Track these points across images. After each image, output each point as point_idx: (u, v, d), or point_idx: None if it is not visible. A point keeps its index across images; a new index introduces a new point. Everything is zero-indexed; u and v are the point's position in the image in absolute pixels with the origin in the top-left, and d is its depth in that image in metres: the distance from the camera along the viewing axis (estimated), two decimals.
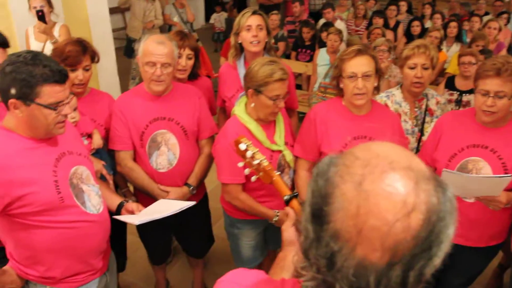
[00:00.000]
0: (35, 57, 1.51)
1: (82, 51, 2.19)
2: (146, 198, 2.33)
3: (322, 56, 5.09)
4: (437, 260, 0.68)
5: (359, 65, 2.02)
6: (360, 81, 2.01)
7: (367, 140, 2.11)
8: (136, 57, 2.28)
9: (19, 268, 1.70)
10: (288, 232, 1.26)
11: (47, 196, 1.59)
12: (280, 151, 2.17)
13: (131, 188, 2.50)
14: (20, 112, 1.53)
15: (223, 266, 3.29)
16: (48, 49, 3.45)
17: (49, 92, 1.52)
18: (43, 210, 1.59)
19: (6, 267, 1.70)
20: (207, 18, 9.77)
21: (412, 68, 2.39)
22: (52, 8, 3.67)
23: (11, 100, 1.51)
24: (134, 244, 2.95)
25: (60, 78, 1.54)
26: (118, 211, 2.02)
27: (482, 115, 2.02)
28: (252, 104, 2.10)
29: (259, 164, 1.45)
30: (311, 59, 5.59)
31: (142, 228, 2.51)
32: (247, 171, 1.55)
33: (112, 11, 5.18)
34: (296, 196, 1.31)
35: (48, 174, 1.61)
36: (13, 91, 1.50)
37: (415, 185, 0.67)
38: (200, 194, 2.50)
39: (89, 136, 2.25)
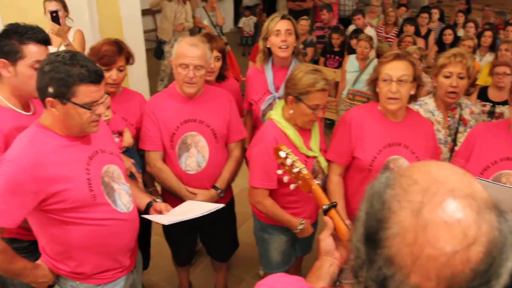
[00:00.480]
0: (73, 57, 1.54)
1: (118, 51, 2.23)
2: (172, 198, 2.35)
3: (352, 63, 5.05)
4: None
5: (396, 69, 1.99)
6: (394, 85, 1.97)
7: (401, 147, 2.08)
8: (170, 59, 2.30)
9: (51, 263, 1.73)
10: (326, 241, 1.24)
11: (80, 193, 1.62)
12: (315, 157, 2.16)
13: (158, 188, 2.52)
14: (56, 111, 1.57)
15: (246, 270, 3.29)
16: None
17: (85, 92, 1.54)
18: (76, 207, 1.62)
19: (39, 261, 1.74)
20: (236, 22, 9.82)
21: (447, 77, 2.34)
22: (67, 13, 3.67)
23: (48, 99, 1.55)
24: (158, 244, 2.98)
25: (96, 78, 1.56)
26: (147, 210, 2.04)
27: None
28: (291, 111, 2.09)
29: (298, 172, 1.44)
30: (339, 65, 5.55)
31: (168, 229, 2.53)
32: (285, 178, 1.54)
33: (143, 13, 5.26)
34: (334, 206, 1.30)
35: (81, 172, 1.64)
36: (50, 89, 1.53)
37: (476, 215, 0.64)
38: (227, 197, 2.51)
39: (120, 134, 2.28)
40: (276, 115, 2.15)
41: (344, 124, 2.17)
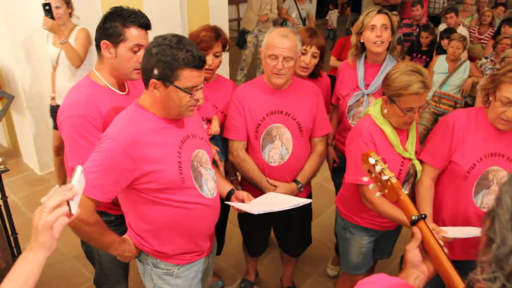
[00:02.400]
0: (180, 41, 1.57)
1: (215, 37, 2.26)
2: (252, 189, 2.34)
3: (441, 64, 4.78)
4: None
5: None
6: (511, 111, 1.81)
7: (504, 159, 1.93)
8: (260, 49, 2.30)
9: (136, 239, 1.80)
10: (413, 253, 1.19)
11: (171, 175, 1.66)
12: (410, 159, 2.07)
13: (239, 178, 2.55)
14: (158, 93, 1.61)
15: (314, 267, 3.26)
16: (63, 57, 3.36)
17: (188, 76, 1.57)
18: (166, 188, 1.67)
19: (125, 236, 1.82)
20: (318, 14, 9.68)
21: None
22: (72, 9, 3.40)
23: (152, 80, 1.59)
24: (229, 231, 3.03)
25: (199, 63, 1.58)
26: (228, 198, 2.06)
27: None
28: (385, 110, 2.02)
29: (387, 180, 1.38)
30: (426, 65, 5.27)
31: (244, 219, 2.56)
32: (371, 186, 1.48)
33: (228, 2, 5.34)
34: (424, 218, 1.23)
35: (173, 155, 1.68)
36: (156, 71, 1.58)
37: None
38: (305, 192, 2.47)
39: (208, 121, 2.32)
40: (375, 111, 2.07)
41: (446, 126, 2.04)
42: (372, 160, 1.42)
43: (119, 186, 1.63)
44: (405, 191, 2.08)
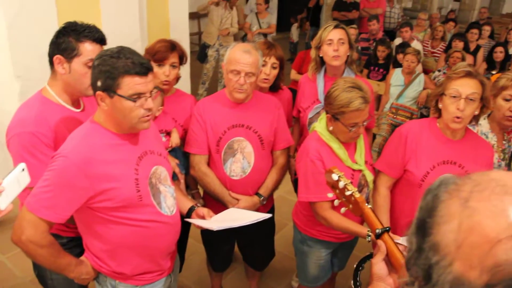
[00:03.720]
0: (120, 50, 1.55)
1: (170, 47, 2.25)
2: (214, 203, 2.33)
3: (397, 76, 4.93)
4: None
5: (466, 86, 1.90)
6: (463, 103, 1.89)
7: (456, 166, 2.00)
8: (221, 64, 2.30)
9: (94, 260, 1.73)
10: (378, 266, 1.19)
11: (128, 193, 1.62)
12: (360, 171, 2.11)
13: (201, 191, 2.52)
14: (105, 105, 1.57)
15: (279, 280, 3.25)
16: None
17: (129, 84, 1.54)
18: (122, 206, 1.62)
19: (83, 258, 1.75)
20: (279, 28, 9.83)
21: (507, 100, 2.23)
22: None
23: (98, 92, 1.56)
24: (192, 247, 2.98)
25: (141, 70, 1.55)
26: (188, 214, 2.03)
27: None
28: (331, 128, 2.05)
29: (350, 195, 1.39)
30: (383, 78, 5.43)
31: (207, 234, 2.52)
32: (336, 202, 1.49)
33: (189, 16, 5.33)
34: (388, 230, 1.25)
35: (130, 172, 1.64)
36: (99, 83, 1.55)
37: None
38: (268, 205, 2.47)
39: (168, 134, 2.30)
40: (320, 127, 2.10)
41: (400, 136, 2.10)
42: (335, 176, 1.44)
43: (73, 206, 1.56)
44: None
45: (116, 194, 1.59)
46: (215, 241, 2.58)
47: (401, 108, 4.88)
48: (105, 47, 1.59)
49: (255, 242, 2.58)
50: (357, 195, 1.39)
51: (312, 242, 2.28)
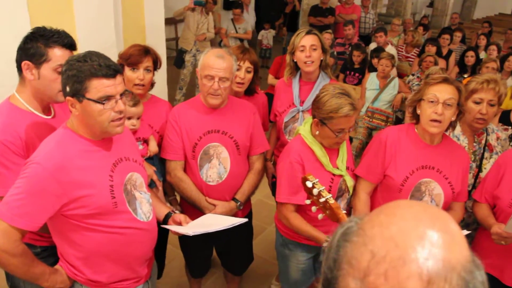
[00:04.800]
0: (87, 55, 1.55)
1: (144, 51, 2.25)
2: (191, 209, 2.33)
3: (372, 81, 5.02)
4: None
5: (443, 91, 1.96)
6: (441, 107, 1.94)
7: (434, 171, 2.05)
8: (196, 69, 2.30)
9: (69, 269, 1.71)
10: None
11: (102, 200, 1.61)
12: (341, 176, 2.13)
13: (178, 198, 2.51)
14: (76, 111, 1.56)
15: (258, 285, 3.25)
16: None
17: (97, 86, 1.53)
18: (97, 213, 1.61)
19: (57, 266, 1.72)
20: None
21: (477, 103, 2.29)
22: None
23: (67, 98, 1.56)
24: (171, 254, 2.96)
25: (108, 72, 1.54)
26: (165, 221, 2.02)
27: None
28: (317, 132, 2.07)
29: (325, 201, 1.42)
30: (359, 82, 5.52)
31: (185, 240, 2.52)
32: (313, 208, 1.51)
33: (166, 21, 5.31)
34: None
35: (105, 178, 1.63)
36: (67, 88, 1.54)
37: (427, 285, 0.58)
38: (245, 210, 2.48)
39: (145, 141, 2.28)
40: (304, 130, 2.13)
41: (379, 142, 2.14)
42: (309, 184, 1.46)
43: (46, 214, 1.54)
44: (340, 206, 2.16)
45: (91, 201, 1.58)
46: (193, 247, 2.57)
47: (376, 112, 4.96)
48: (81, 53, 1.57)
49: (233, 247, 2.59)
50: (331, 201, 1.41)
51: (293, 245, 2.29)
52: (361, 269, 0.62)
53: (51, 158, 1.52)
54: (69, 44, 1.80)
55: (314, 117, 2.07)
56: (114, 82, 1.57)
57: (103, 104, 1.55)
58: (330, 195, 1.44)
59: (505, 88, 2.36)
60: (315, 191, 1.44)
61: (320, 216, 1.48)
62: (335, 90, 1.99)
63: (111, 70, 1.56)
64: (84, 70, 1.52)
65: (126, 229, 1.69)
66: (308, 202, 1.52)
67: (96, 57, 1.55)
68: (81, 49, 3.76)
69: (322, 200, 1.42)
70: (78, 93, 1.53)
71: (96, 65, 1.52)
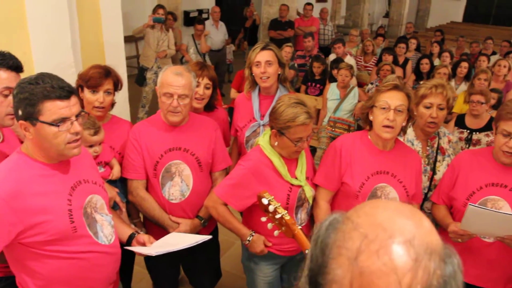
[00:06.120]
0: (39, 77, 1.52)
1: (104, 74, 2.21)
2: (155, 228, 2.30)
3: (333, 91, 5.13)
4: None
5: (394, 98, 2.02)
6: (392, 113, 2.01)
7: (389, 176, 2.12)
8: (155, 87, 2.29)
9: None
10: None
11: (61, 225, 1.57)
12: (300, 186, 2.16)
13: (143, 219, 2.48)
14: (30, 134, 1.53)
15: None
16: None
17: (52, 108, 1.51)
18: (56, 239, 1.57)
19: None
20: None
21: (427, 108, 2.39)
22: None
23: (20, 122, 1.52)
24: (139, 275, 2.91)
25: (62, 93, 1.52)
26: (129, 242, 1.99)
27: (502, 155, 2.02)
28: (276, 143, 2.09)
29: (281, 218, 1.44)
30: (320, 93, 5.62)
31: (151, 260, 2.48)
32: (269, 225, 1.53)
33: (126, 39, 5.27)
34: None
35: (62, 203, 1.59)
36: (20, 112, 1.51)
37: (414, 263, 0.64)
38: (210, 227, 2.47)
39: (107, 164, 2.24)
40: (264, 141, 2.15)
41: (335, 150, 2.18)
42: (265, 201, 1.47)
43: (2, 242, 1.49)
44: (300, 216, 2.19)
45: (48, 227, 1.54)
46: (159, 266, 2.54)
47: (338, 121, 5.06)
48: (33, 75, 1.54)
49: (200, 264, 2.57)
50: (287, 217, 1.43)
51: (258, 258, 2.29)
52: (354, 249, 0.65)
53: (4, 185, 1.48)
54: (15, 66, 1.76)
55: (272, 128, 2.10)
56: (68, 104, 1.54)
57: (58, 126, 1.53)
58: (286, 211, 1.45)
59: (453, 92, 2.47)
60: (271, 208, 1.45)
61: (276, 232, 1.49)
62: (291, 100, 2.04)
63: (65, 91, 1.53)
64: (36, 92, 1.49)
65: (87, 254, 1.65)
66: (264, 219, 1.53)
67: (49, 78, 1.53)
68: (38, 69, 3.70)
69: (278, 216, 1.44)
70: (31, 117, 1.50)
71: (49, 87, 1.50)
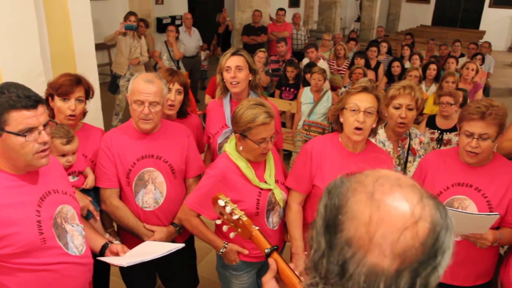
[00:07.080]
0: (4, 86, 1.50)
1: (75, 81, 2.18)
2: (130, 237, 2.27)
3: (306, 95, 5.18)
4: (441, 270, 0.73)
5: (363, 100, 2.05)
6: (362, 115, 2.03)
7: None
8: (126, 95, 2.27)
9: None
10: (269, 285, 1.22)
11: (29, 237, 1.54)
12: (269, 190, 2.16)
13: (116, 229, 2.44)
14: None
15: None
16: None
17: (18, 118, 1.48)
18: (24, 251, 1.54)
19: None
20: None
21: (397, 108, 2.44)
22: None
23: None
24: (114, 285, 2.85)
25: (28, 103, 1.49)
26: (102, 252, 1.96)
27: (466, 155, 2.06)
28: (241, 147, 2.09)
29: (238, 219, 1.43)
30: (295, 97, 5.67)
31: (126, 269, 2.43)
32: (225, 228, 1.52)
33: (97, 47, 5.20)
34: (276, 249, 1.30)
35: (31, 214, 1.56)
36: None
37: (420, 199, 0.73)
38: (186, 234, 2.44)
39: (80, 173, 2.20)
40: (230, 147, 2.15)
41: (305, 153, 2.20)
42: (221, 202, 1.46)
43: None
44: (272, 219, 2.19)
45: (16, 239, 1.51)
46: (135, 277, 2.50)
47: (313, 125, 5.11)
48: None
49: (176, 271, 2.53)
50: (244, 218, 1.42)
51: (233, 267, 2.27)
52: (370, 186, 0.75)
53: None
54: None
55: (235, 132, 2.10)
56: (35, 113, 1.52)
57: (25, 136, 1.50)
58: (243, 212, 1.45)
59: (421, 93, 2.54)
60: (228, 209, 1.45)
61: (232, 234, 1.49)
62: (250, 102, 2.05)
63: (31, 100, 1.50)
64: (1, 102, 1.46)
65: (57, 265, 1.62)
66: (219, 222, 1.52)
67: (15, 88, 1.50)
68: (6, 79, 3.61)
69: (235, 217, 1.43)
70: None
71: (15, 97, 1.47)
